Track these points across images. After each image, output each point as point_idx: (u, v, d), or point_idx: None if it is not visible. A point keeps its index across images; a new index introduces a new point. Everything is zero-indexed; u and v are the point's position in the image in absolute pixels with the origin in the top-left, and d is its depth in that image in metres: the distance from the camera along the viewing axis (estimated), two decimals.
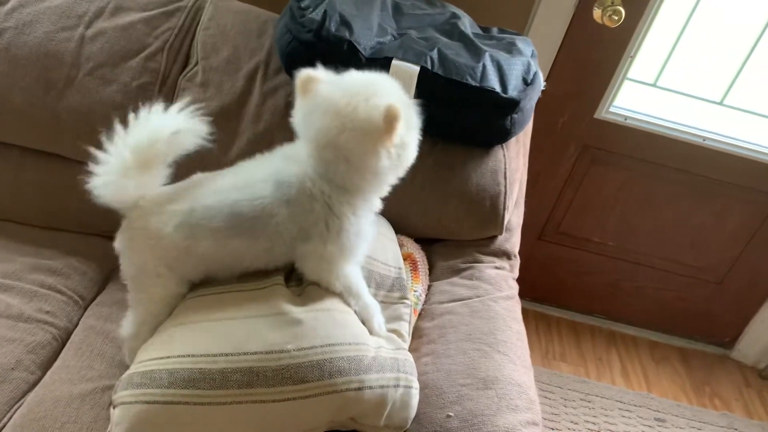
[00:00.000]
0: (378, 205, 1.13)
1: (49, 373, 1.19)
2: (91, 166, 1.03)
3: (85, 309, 1.35)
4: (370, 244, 1.14)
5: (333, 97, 1.01)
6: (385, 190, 1.12)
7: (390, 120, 0.96)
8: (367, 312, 1.10)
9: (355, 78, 1.05)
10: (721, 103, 1.96)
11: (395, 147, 1.01)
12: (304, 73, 1.04)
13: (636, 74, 1.93)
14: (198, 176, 1.13)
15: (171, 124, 1.04)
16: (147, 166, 1.04)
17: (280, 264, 1.11)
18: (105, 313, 1.32)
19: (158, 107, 1.05)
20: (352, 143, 0.99)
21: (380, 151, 1.00)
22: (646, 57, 1.89)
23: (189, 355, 1.00)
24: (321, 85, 1.04)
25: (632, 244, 2.24)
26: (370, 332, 1.08)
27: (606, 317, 2.44)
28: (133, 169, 1.03)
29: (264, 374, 0.97)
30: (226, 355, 0.99)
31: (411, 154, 1.07)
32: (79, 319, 1.32)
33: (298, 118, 1.07)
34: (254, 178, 1.07)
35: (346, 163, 1.01)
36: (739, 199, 2.09)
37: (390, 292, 1.19)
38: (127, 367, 1.10)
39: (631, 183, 2.10)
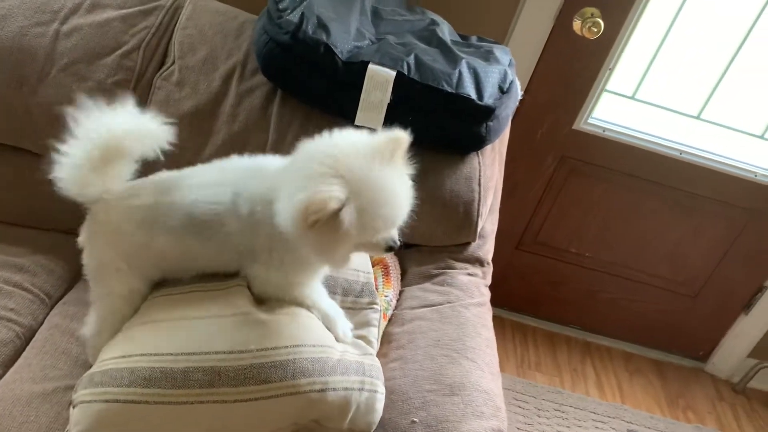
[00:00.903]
0: None
1: (10, 371, 1.17)
2: (56, 157, 1.02)
3: (52, 307, 1.32)
4: (323, 272, 1.11)
5: (319, 153, 0.93)
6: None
7: (306, 209, 0.85)
8: (329, 321, 1.09)
9: (353, 162, 0.91)
10: (698, 117, 1.98)
11: (316, 233, 0.88)
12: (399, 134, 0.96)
13: (615, 86, 1.94)
14: (163, 173, 1.12)
15: (138, 125, 1.03)
16: (112, 161, 1.03)
17: (233, 270, 1.09)
18: (71, 311, 1.30)
19: (129, 105, 1.04)
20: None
21: (298, 227, 0.88)
22: (625, 69, 1.91)
23: (150, 354, 0.99)
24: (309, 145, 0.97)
25: (609, 255, 2.25)
26: (336, 340, 1.08)
27: (582, 328, 2.44)
28: (98, 163, 1.02)
29: (226, 374, 0.96)
30: (189, 354, 0.98)
31: (336, 252, 0.93)
32: (44, 318, 1.30)
33: (304, 144, 0.98)
34: (217, 181, 1.05)
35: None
36: (715, 214, 2.10)
37: (359, 298, 1.19)
38: (89, 367, 1.08)
39: (609, 194, 2.11)
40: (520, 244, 2.24)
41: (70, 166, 1.02)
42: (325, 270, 1.10)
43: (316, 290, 1.10)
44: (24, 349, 1.22)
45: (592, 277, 2.30)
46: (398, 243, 0.99)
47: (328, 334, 1.07)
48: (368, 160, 0.91)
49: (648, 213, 2.14)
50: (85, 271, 1.12)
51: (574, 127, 1.98)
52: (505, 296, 2.33)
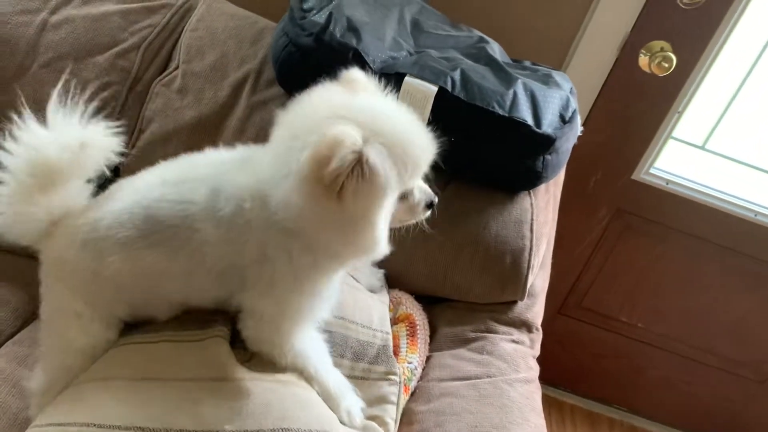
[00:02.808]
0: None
1: None
2: None
3: (0, 346, 1.09)
4: (332, 302, 0.88)
5: (304, 112, 0.78)
6: (345, 255, 0.82)
7: (318, 161, 0.67)
8: (331, 398, 0.85)
9: (347, 100, 0.77)
10: None
11: (340, 200, 0.70)
12: (351, 72, 0.82)
13: (682, 133, 1.72)
14: (121, 181, 0.90)
15: (74, 135, 0.82)
16: (53, 186, 0.83)
17: (208, 302, 0.86)
18: (22, 354, 1.07)
19: (57, 115, 0.83)
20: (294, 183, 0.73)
21: (313, 201, 0.71)
22: (696, 114, 1.68)
23: (96, 425, 0.77)
24: (324, 93, 0.80)
25: (663, 327, 1.99)
26: (340, 422, 0.82)
27: (627, 409, 2.18)
28: (37, 191, 0.81)
29: None
30: (144, 430, 0.73)
31: (374, 220, 0.74)
32: None
33: (282, 116, 0.82)
34: (189, 175, 0.83)
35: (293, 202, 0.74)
36: None
37: (373, 365, 0.94)
38: None
39: (668, 257, 1.86)
40: (563, 308, 2.00)
41: (8, 204, 0.82)
42: (334, 295, 0.87)
43: (317, 353, 0.85)
44: None
45: (642, 352, 2.04)
46: (437, 196, 0.84)
47: (331, 415, 0.81)
48: (358, 96, 0.77)
49: (711, 281, 1.88)
50: (43, 321, 0.90)
51: (633, 176, 1.75)
52: (540, 366, 2.06)
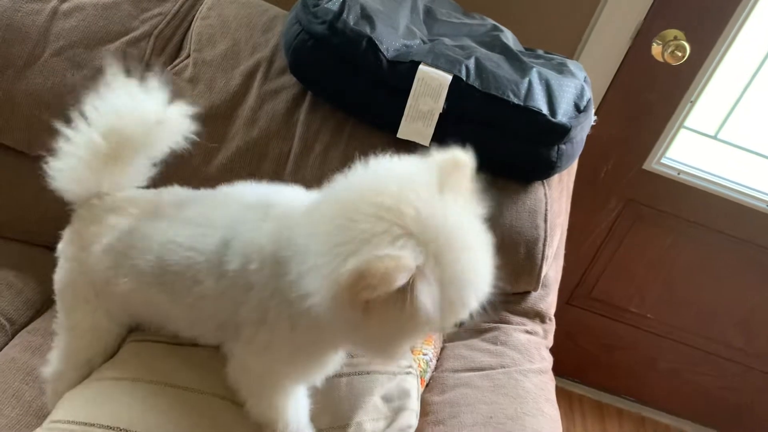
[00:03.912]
0: None
1: None
2: (58, 144, 0.81)
3: (13, 336, 1.09)
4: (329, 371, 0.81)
5: (369, 199, 0.63)
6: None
7: (361, 286, 0.57)
8: None
9: (422, 205, 0.62)
10: None
11: (366, 313, 0.61)
12: (457, 155, 0.68)
13: (695, 123, 1.70)
14: (176, 189, 0.88)
15: (156, 111, 0.81)
16: (119, 156, 0.81)
17: (211, 343, 0.84)
18: (36, 343, 1.07)
19: (141, 87, 0.82)
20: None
21: (336, 307, 0.61)
22: (708, 104, 1.66)
23: (122, 430, 0.76)
24: (404, 178, 0.65)
25: (674, 318, 1.98)
26: None
27: (636, 400, 2.17)
28: (103, 157, 0.80)
29: None
30: None
31: (396, 345, 0.67)
32: (2, 348, 1.06)
33: (342, 182, 0.70)
34: (207, 217, 0.79)
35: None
36: None
37: None
38: (44, 417, 0.85)
39: (679, 248, 1.85)
40: (572, 299, 1.99)
41: (67, 155, 0.80)
42: (333, 364, 0.80)
43: (294, 409, 0.81)
44: None
45: (652, 343, 2.03)
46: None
47: None
48: (439, 202, 0.62)
49: (722, 272, 1.87)
50: (55, 290, 0.89)
51: (645, 166, 1.74)
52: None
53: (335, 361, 0.79)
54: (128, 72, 0.81)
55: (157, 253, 0.78)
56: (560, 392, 2.11)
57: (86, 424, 0.77)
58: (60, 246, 0.88)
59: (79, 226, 0.85)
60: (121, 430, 0.76)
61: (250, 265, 0.72)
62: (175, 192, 0.88)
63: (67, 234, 0.87)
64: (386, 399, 0.88)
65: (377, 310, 0.59)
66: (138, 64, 0.83)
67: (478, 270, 0.65)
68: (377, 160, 0.69)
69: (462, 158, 0.67)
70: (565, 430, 1.99)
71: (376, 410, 0.86)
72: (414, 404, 0.91)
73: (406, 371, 0.93)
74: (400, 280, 0.57)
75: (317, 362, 0.77)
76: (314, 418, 0.85)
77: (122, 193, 0.85)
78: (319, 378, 0.80)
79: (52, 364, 0.91)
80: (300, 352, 0.75)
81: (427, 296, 0.59)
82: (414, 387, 0.92)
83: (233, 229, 0.75)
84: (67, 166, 0.81)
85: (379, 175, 0.67)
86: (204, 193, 0.86)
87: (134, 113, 0.79)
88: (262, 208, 0.77)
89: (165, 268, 0.77)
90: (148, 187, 0.89)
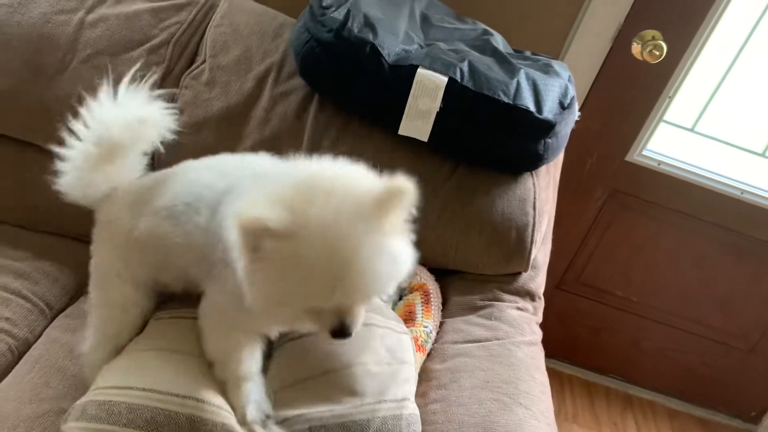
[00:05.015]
0: None
1: None
2: (57, 164, 0.95)
3: (52, 320, 1.19)
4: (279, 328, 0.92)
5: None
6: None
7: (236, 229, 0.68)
8: (233, 392, 0.90)
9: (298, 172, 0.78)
10: (763, 155, 1.83)
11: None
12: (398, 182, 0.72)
13: (673, 117, 1.80)
14: (187, 163, 1.00)
15: (135, 113, 0.94)
16: (114, 157, 0.94)
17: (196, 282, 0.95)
18: (73, 325, 1.16)
19: (120, 93, 0.96)
20: None
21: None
22: (685, 99, 1.77)
23: (156, 391, 0.86)
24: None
25: (657, 301, 2.08)
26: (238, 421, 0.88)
27: (623, 379, 2.26)
28: (100, 161, 0.93)
29: None
30: (199, 401, 0.84)
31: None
32: (42, 331, 1.17)
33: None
34: (226, 169, 0.91)
35: None
36: None
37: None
38: (86, 389, 0.94)
39: (661, 234, 1.95)
40: (561, 284, 2.08)
41: (73, 170, 0.94)
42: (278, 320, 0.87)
43: (250, 353, 0.91)
44: (16, 365, 1.08)
45: (637, 324, 2.13)
46: (350, 331, 0.76)
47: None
48: (343, 205, 0.69)
49: (702, 256, 1.97)
50: (90, 271, 1.01)
51: (627, 158, 1.84)
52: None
53: (280, 319, 0.85)
54: (113, 82, 0.94)
55: (181, 186, 0.91)
56: (551, 372, 2.17)
57: (124, 387, 0.87)
58: (92, 245, 1.00)
59: (103, 216, 0.98)
60: (153, 390, 0.86)
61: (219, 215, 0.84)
62: (190, 162, 1.00)
63: (95, 231, 1.00)
64: (389, 350, 0.98)
65: (248, 257, 0.69)
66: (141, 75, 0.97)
67: (338, 264, 0.68)
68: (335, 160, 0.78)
69: (403, 187, 0.71)
70: (555, 409, 2.09)
71: (380, 355, 0.97)
72: (413, 358, 1.02)
73: (405, 332, 1.04)
74: (257, 224, 0.66)
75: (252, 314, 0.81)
76: (323, 360, 0.95)
77: (134, 181, 0.99)
78: (267, 329, 0.89)
79: (87, 339, 1.01)
80: (239, 299, 0.77)
81: (270, 248, 0.67)
82: (411, 346, 1.03)
83: (238, 181, 0.86)
84: (72, 178, 0.94)
85: (318, 167, 0.77)
86: (236, 156, 1.02)
87: (118, 119, 0.92)
88: (263, 172, 0.87)
89: (179, 198, 0.90)
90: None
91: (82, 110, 0.93)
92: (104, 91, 0.94)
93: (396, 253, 0.72)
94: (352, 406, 0.91)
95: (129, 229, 0.94)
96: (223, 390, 0.90)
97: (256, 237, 0.67)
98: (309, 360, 0.94)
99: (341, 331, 0.75)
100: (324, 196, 0.69)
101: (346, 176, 0.74)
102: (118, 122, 0.92)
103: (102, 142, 0.92)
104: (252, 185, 0.81)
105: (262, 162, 0.93)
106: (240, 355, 0.89)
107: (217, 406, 0.86)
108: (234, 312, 0.83)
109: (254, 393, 0.91)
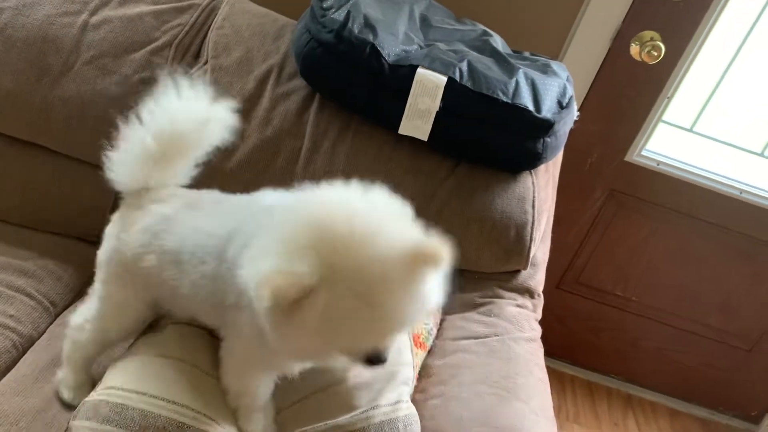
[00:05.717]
0: None
1: (0, 383, 1.04)
2: (108, 152, 0.92)
3: (56, 317, 1.21)
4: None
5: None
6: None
7: (264, 296, 0.65)
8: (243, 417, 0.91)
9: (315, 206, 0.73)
10: (762, 155, 1.84)
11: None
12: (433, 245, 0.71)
13: (672, 117, 1.82)
14: (215, 193, 0.98)
15: (202, 112, 0.91)
16: (169, 158, 0.92)
17: (211, 324, 0.96)
18: None
19: (188, 90, 0.91)
20: None
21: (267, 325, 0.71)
22: (684, 99, 1.78)
23: (171, 401, 0.86)
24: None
25: (657, 301, 2.09)
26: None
27: (624, 379, 2.27)
28: (154, 159, 0.90)
29: None
30: (211, 419, 0.86)
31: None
32: (46, 328, 1.18)
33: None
34: (232, 212, 0.90)
35: None
36: None
37: None
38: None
39: (660, 234, 1.96)
40: (561, 284, 2.09)
41: (123, 152, 0.91)
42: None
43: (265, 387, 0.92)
44: (19, 360, 1.10)
45: (637, 324, 2.14)
46: (386, 359, 0.75)
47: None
48: (370, 250, 0.67)
49: (701, 256, 1.98)
50: (96, 264, 1.00)
51: (626, 158, 1.85)
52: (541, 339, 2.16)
53: (310, 361, 0.87)
54: (175, 77, 0.90)
55: (182, 235, 0.88)
56: (552, 373, 2.21)
57: (139, 392, 0.87)
58: (107, 227, 0.99)
59: (125, 211, 0.96)
60: (168, 400, 0.86)
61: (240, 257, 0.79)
62: (215, 193, 0.99)
63: (114, 217, 0.98)
64: None
65: (279, 316, 0.67)
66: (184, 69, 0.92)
67: (377, 307, 0.67)
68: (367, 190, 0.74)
69: (438, 253, 0.69)
70: (556, 409, 2.10)
71: None
72: (411, 358, 1.02)
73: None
74: (291, 292, 0.63)
75: (278, 356, 0.84)
76: (316, 378, 0.95)
77: (167, 189, 0.96)
78: (289, 369, 0.88)
79: (78, 315, 1.01)
80: (260, 342, 0.77)
81: (309, 311, 0.65)
82: (410, 345, 1.04)
83: (242, 223, 0.83)
84: (122, 161, 0.92)
85: (346, 200, 0.73)
86: (237, 196, 0.97)
87: (184, 115, 0.89)
88: (270, 209, 0.84)
89: (184, 247, 0.87)
90: (190, 186, 1.00)
91: (151, 99, 0.89)
92: (168, 85, 0.89)
93: (428, 290, 0.72)
94: (345, 418, 0.91)
95: (137, 255, 0.90)
96: (234, 415, 0.91)
97: (291, 301, 0.64)
98: (302, 380, 0.93)
99: (377, 359, 0.75)
100: (348, 239, 0.67)
101: (363, 212, 0.71)
102: (183, 116, 0.88)
103: (162, 135, 0.88)
104: (259, 226, 0.78)
105: (261, 199, 0.91)
106: (256, 389, 0.90)
107: (229, 428, 0.87)
108: (256, 352, 0.84)
109: (263, 421, 0.92)
